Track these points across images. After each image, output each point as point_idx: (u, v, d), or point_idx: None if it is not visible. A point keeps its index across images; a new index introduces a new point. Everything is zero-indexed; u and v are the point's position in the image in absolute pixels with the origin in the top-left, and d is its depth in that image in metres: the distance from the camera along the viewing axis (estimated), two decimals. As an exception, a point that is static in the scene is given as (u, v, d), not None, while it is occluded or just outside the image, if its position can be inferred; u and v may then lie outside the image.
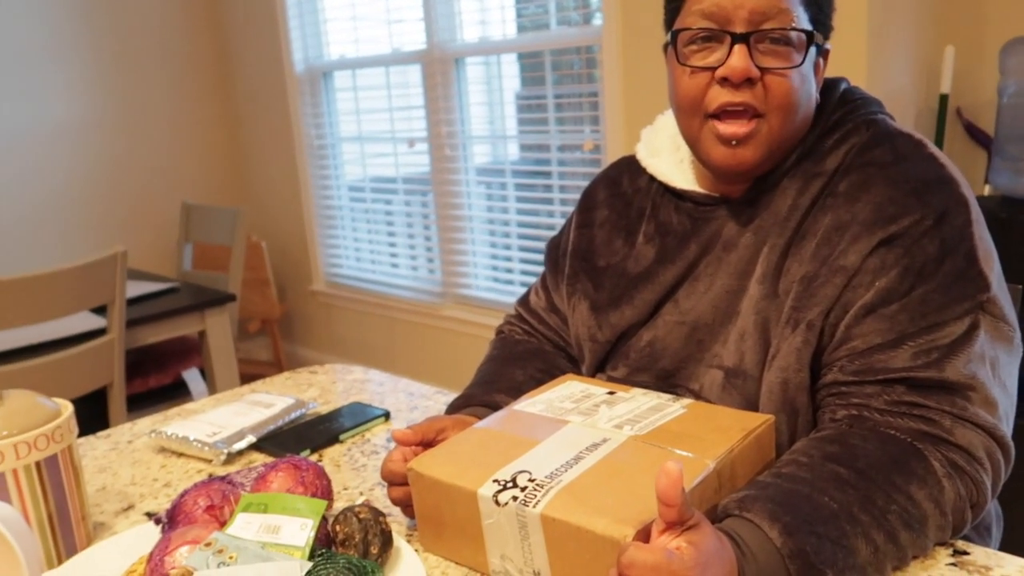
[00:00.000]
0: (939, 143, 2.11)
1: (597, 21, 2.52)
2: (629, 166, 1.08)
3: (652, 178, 1.03)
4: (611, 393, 0.91)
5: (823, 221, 0.85)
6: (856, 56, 1.94)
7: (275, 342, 3.69)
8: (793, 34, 0.84)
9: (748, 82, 0.84)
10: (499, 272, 3.06)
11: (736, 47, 0.84)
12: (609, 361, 1.03)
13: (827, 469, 0.73)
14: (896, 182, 0.83)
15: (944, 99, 2.09)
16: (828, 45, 0.92)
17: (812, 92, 0.89)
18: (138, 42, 3.60)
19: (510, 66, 2.93)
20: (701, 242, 0.95)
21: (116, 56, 3.55)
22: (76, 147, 3.48)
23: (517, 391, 1.01)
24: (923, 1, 2.09)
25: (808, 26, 0.86)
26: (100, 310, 2.34)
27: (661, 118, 1.06)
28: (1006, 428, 0.80)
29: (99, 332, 2.18)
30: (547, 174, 2.78)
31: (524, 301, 1.17)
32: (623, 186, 1.07)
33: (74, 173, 3.49)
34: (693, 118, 0.89)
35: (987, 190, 2.04)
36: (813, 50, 0.87)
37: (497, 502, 0.72)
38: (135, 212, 3.68)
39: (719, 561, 0.62)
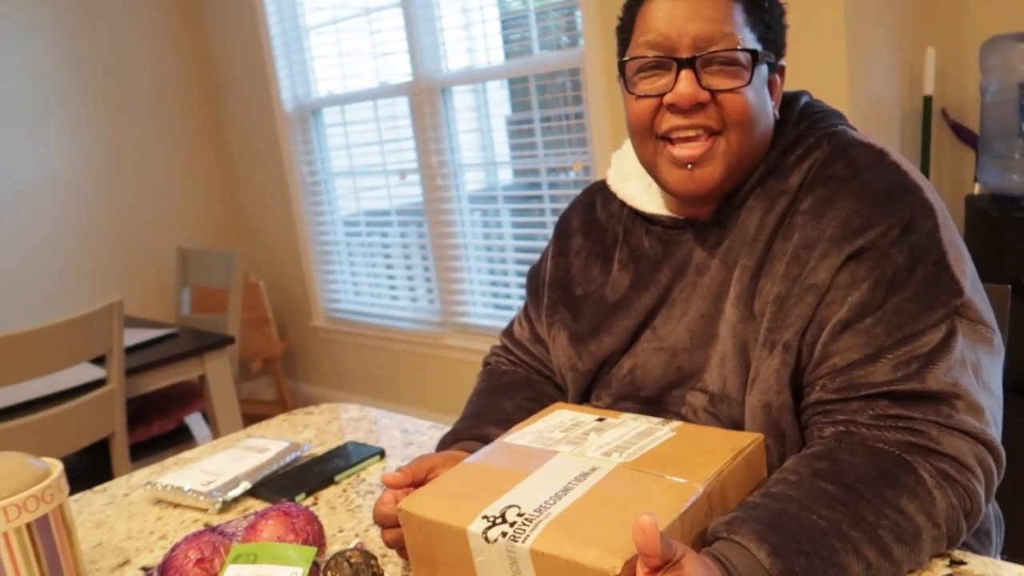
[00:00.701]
0: (926, 144, 2.11)
1: (582, 43, 2.53)
2: (601, 191, 1.09)
3: (623, 203, 1.03)
4: (600, 420, 0.91)
5: (791, 240, 0.85)
6: (836, 63, 1.95)
7: (278, 380, 3.69)
8: (740, 55, 0.85)
9: (699, 106, 0.85)
10: (498, 298, 3.06)
11: (682, 73, 0.85)
12: (593, 390, 1.02)
13: (815, 486, 0.72)
14: (860, 195, 0.83)
15: (928, 100, 2.09)
16: (783, 62, 0.92)
17: (768, 109, 0.90)
18: (129, 91, 3.64)
19: (498, 92, 2.94)
20: (673, 267, 0.95)
21: (107, 106, 3.58)
22: (70, 198, 3.50)
23: (507, 422, 1.00)
24: (901, 4, 2.10)
25: (755, 46, 0.87)
26: (99, 360, 2.34)
27: (629, 142, 1.06)
28: (994, 432, 0.79)
29: (99, 383, 2.18)
30: (539, 198, 2.78)
31: (509, 332, 1.17)
32: (597, 212, 1.07)
33: (69, 224, 3.51)
34: (646, 141, 0.90)
35: (977, 188, 2.04)
36: (765, 68, 0.89)
37: (487, 539, 0.71)
38: (132, 259, 3.69)
39: None
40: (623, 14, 0.93)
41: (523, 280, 2.89)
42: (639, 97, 0.88)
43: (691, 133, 0.86)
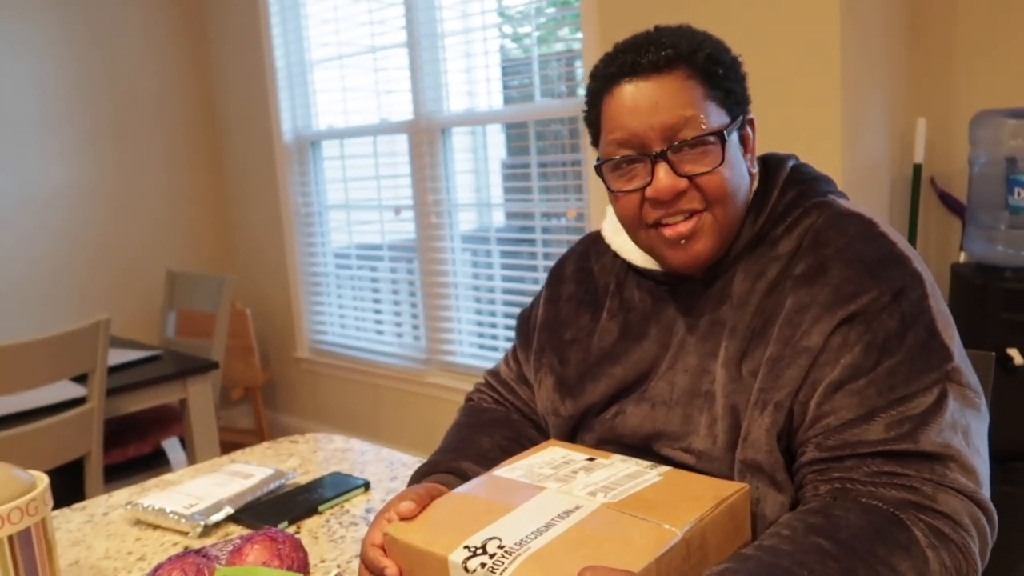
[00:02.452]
0: (914, 211, 2.16)
1: (581, 92, 2.58)
2: (596, 242, 1.10)
3: (616, 255, 1.05)
4: (591, 459, 0.91)
5: (784, 304, 0.87)
6: (831, 129, 2.00)
7: (257, 410, 3.65)
8: (709, 137, 0.87)
9: (679, 194, 0.88)
10: (484, 339, 3.06)
11: (657, 167, 0.87)
12: (576, 436, 1.03)
13: (809, 541, 0.72)
14: (851, 263, 0.85)
15: (918, 169, 2.14)
16: (750, 115, 0.94)
17: (744, 171, 0.92)
18: (130, 112, 3.66)
19: (496, 135, 2.98)
20: (662, 322, 0.96)
21: (108, 126, 3.59)
22: (63, 215, 3.49)
23: (483, 458, 1.00)
24: (894, 75, 2.16)
25: (722, 119, 0.88)
26: (81, 379, 2.31)
27: None
28: (987, 493, 0.80)
29: (79, 401, 2.16)
30: (532, 241, 2.81)
31: (495, 371, 1.18)
32: (590, 262, 1.09)
33: (61, 240, 3.49)
34: (638, 231, 0.93)
35: (962, 257, 2.08)
36: (736, 134, 0.91)
37: (466, 569, 0.72)
38: (120, 279, 3.68)
39: None
40: (587, 108, 0.95)
41: (510, 322, 2.90)
42: (623, 195, 0.91)
43: (678, 218, 0.89)
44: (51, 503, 0.87)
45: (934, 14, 2.15)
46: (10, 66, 3.32)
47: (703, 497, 0.79)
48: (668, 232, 0.89)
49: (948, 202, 2.19)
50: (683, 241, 0.89)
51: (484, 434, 1.06)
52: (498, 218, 2.99)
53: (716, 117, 0.88)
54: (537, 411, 1.10)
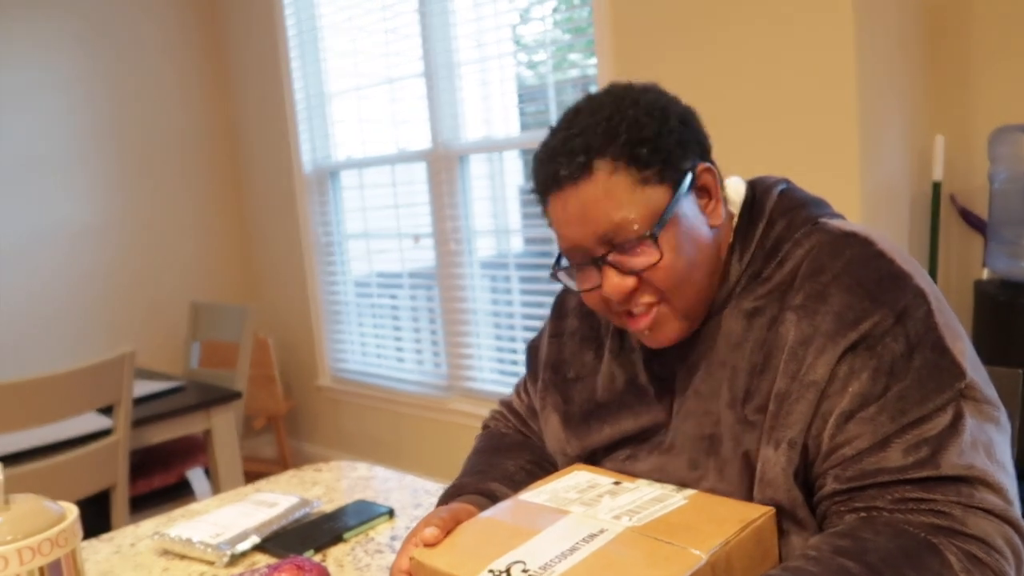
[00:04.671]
0: (935, 229, 2.15)
1: (595, 118, 2.60)
2: None
3: None
4: (616, 483, 0.91)
5: (787, 337, 0.84)
6: (848, 148, 2.00)
7: (280, 439, 3.67)
8: (639, 238, 0.85)
9: (632, 291, 0.88)
10: (504, 364, 3.06)
11: (604, 270, 0.87)
12: None
13: (836, 563, 0.71)
14: (850, 288, 0.83)
15: (937, 186, 2.13)
16: (703, 164, 0.90)
17: (701, 237, 0.89)
18: (154, 146, 3.72)
19: (513, 161, 3.01)
20: (664, 365, 0.95)
21: (130, 161, 3.66)
22: (90, 249, 3.55)
23: (510, 480, 1.01)
24: (912, 92, 2.16)
25: (659, 200, 0.85)
26: (107, 410, 2.34)
27: None
28: (1017, 510, 0.78)
29: (105, 433, 2.18)
30: (550, 266, 2.81)
31: (508, 402, 1.18)
32: None
33: (87, 274, 3.55)
34: (610, 318, 0.94)
35: (985, 274, 2.06)
36: (684, 202, 0.87)
37: None
38: (145, 311, 3.72)
39: None
40: (539, 201, 0.94)
41: (531, 347, 2.90)
42: (583, 291, 0.92)
43: (640, 309, 0.89)
44: (80, 534, 0.88)
45: (950, 31, 2.16)
46: (38, 104, 3.39)
47: (729, 520, 0.79)
48: (632, 325, 0.90)
49: (969, 219, 2.18)
50: (648, 332, 0.90)
51: (508, 457, 1.06)
52: (516, 244, 3.00)
53: (653, 201, 0.85)
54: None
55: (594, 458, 1.00)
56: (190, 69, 3.84)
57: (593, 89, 2.60)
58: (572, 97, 2.71)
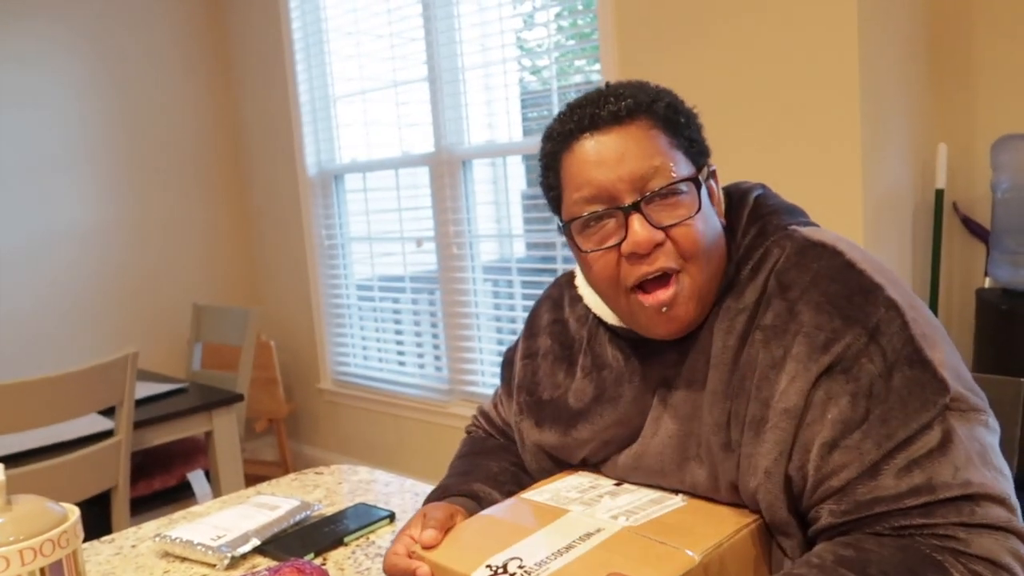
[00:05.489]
0: (937, 237, 2.15)
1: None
2: (570, 287, 1.05)
3: (590, 311, 0.99)
4: (617, 484, 0.93)
5: (757, 359, 0.81)
6: (852, 156, 2.00)
7: (281, 442, 3.67)
8: (680, 185, 0.83)
9: (656, 247, 0.83)
10: (506, 369, 3.06)
11: (632, 219, 0.82)
12: None
13: (838, 574, 0.70)
14: (819, 305, 0.79)
15: (940, 194, 2.13)
16: (712, 165, 0.90)
17: (717, 224, 0.87)
18: (157, 148, 3.73)
19: (516, 166, 3.01)
20: (637, 384, 0.91)
21: (134, 163, 3.67)
22: (93, 251, 3.56)
23: (494, 480, 1.01)
24: (915, 101, 2.16)
25: (690, 168, 0.85)
26: (109, 412, 2.34)
27: None
28: (1019, 517, 0.75)
29: (106, 434, 2.18)
30: (553, 271, 2.82)
31: (486, 413, 1.17)
32: (564, 311, 1.04)
33: (91, 276, 3.55)
34: (617, 295, 0.87)
35: (987, 282, 2.06)
36: (705, 184, 0.86)
37: None
38: (147, 313, 3.73)
39: None
40: (545, 173, 0.90)
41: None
42: (597, 255, 0.85)
43: (658, 275, 0.84)
44: (82, 535, 0.88)
45: (953, 40, 2.16)
46: (43, 107, 3.40)
47: (724, 523, 0.80)
48: (649, 300, 0.84)
49: (971, 227, 2.18)
50: (664, 309, 0.84)
51: (491, 459, 1.06)
52: (519, 248, 3.00)
53: (684, 166, 0.84)
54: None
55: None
56: (195, 72, 3.85)
57: (597, 95, 2.60)
58: (576, 102, 2.71)
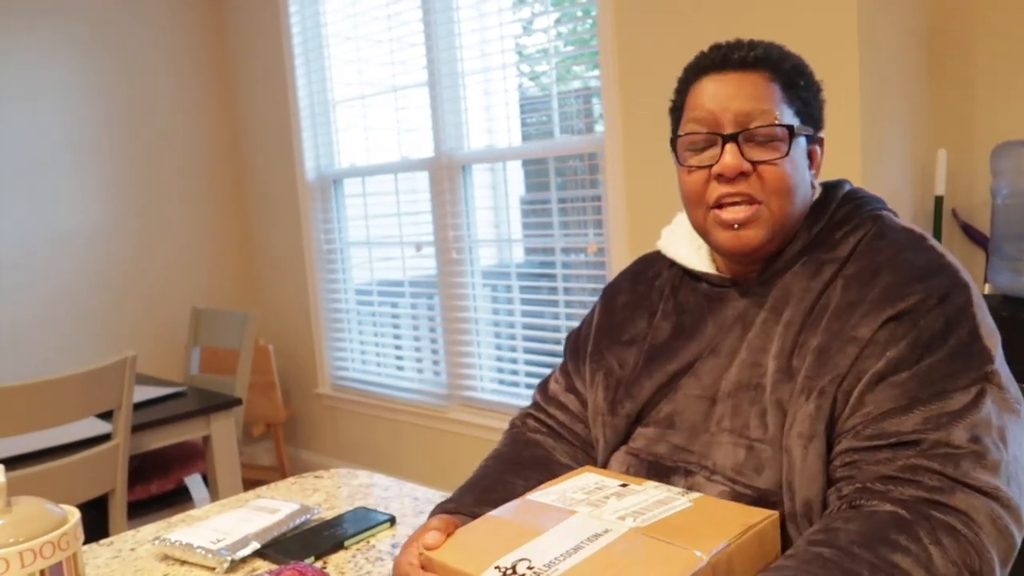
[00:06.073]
0: (937, 243, 2.15)
1: (599, 128, 2.61)
2: (650, 259, 1.17)
3: (672, 264, 1.11)
4: (623, 485, 0.93)
5: (835, 300, 0.91)
6: (851, 161, 2.00)
7: (279, 446, 3.66)
8: (778, 129, 0.94)
9: (742, 175, 0.94)
10: (504, 374, 3.06)
11: (727, 146, 0.94)
12: (629, 435, 1.05)
13: (811, 553, 0.76)
14: (901, 270, 0.90)
15: (939, 201, 2.14)
16: (822, 134, 1.01)
17: (807, 178, 0.98)
18: (156, 151, 3.73)
19: (515, 171, 3.01)
20: (717, 321, 1.01)
21: (132, 165, 3.67)
22: (91, 253, 3.55)
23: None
24: (914, 107, 2.17)
25: (792, 120, 0.95)
26: (107, 415, 2.34)
27: (679, 215, 1.13)
28: (1015, 493, 0.81)
29: (104, 438, 2.17)
30: (552, 276, 2.82)
31: (544, 386, 1.20)
32: (645, 275, 1.15)
33: (89, 278, 3.55)
34: (698, 209, 0.99)
35: (987, 289, 2.06)
36: (803, 140, 0.97)
37: None
38: (145, 316, 3.72)
39: None
40: (675, 96, 1.03)
41: (531, 357, 2.90)
42: (691, 170, 0.97)
43: (737, 199, 0.94)
44: (82, 537, 0.88)
45: (953, 46, 2.17)
46: (38, 107, 3.40)
47: (731, 523, 0.81)
48: (725, 215, 0.95)
49: (971, 234, 2.18)
50: (736, 226, 0.94)
51: (520, 476, 1.05)
52: (518, 254, 3.00)
53: (789, 118, 0.95)
54: (585, 423, 1.11)
55: (642, 415, 1.04)
56: (195, 75, 3.85)
57: (596, 101, 2.61)
58: (575, 108, 2.72)
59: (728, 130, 0.94)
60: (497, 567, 0.76)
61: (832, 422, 0.87)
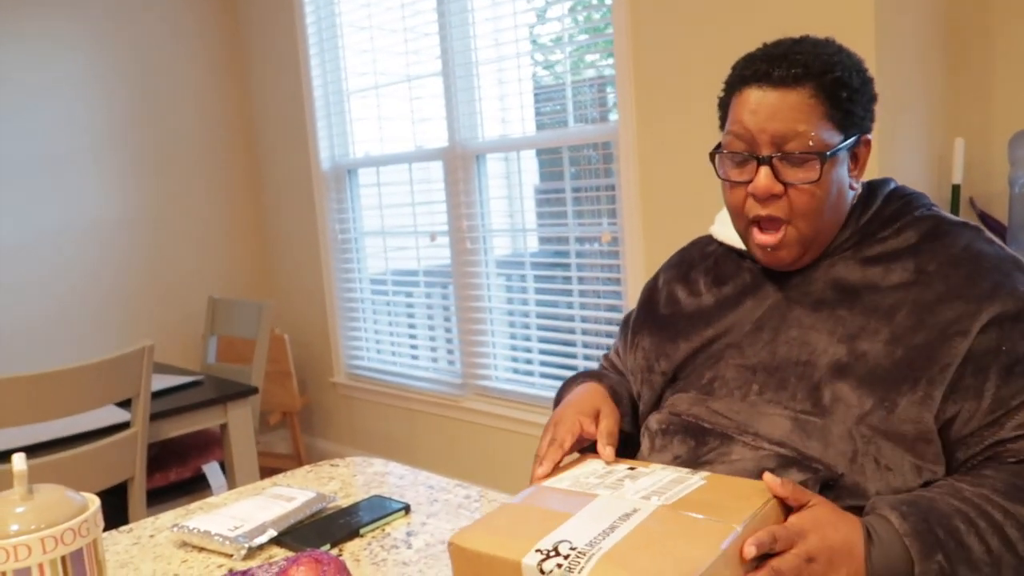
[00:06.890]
0: (954, 232, 2.13)
1: (613, 117, 2.60)
2: (701, 242, 1.23)
3: (720, 244, 1.17)
4: (632, 468, 0.95)
5: (915, 293, 0.95)
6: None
7: (295, 435, 3.69)
8: (811, 154, 0.95)
9: (774, 196, 0.98)
10: (519, 363, 3.06)
11: (761, 168, 0.97)
12: (668, 396, 1.11)
13: (954, 486, 0.85)
14: (975, 260, 0.95)
15: (956, 190, 2.12)
16: (869, 136, 1.02)
17: (844, 187, 1.00)
18: (174, 143, 3.75)
19: (529, 161, 3.01)
20: (759, 297, 1.06)
21: (149, 157, 3.69)
22: (109, 244, 3.58)
23: (621, 385, 1.19)
24: (931, 96, 2.15)
25: (832, 139, 0.96)
26: (125, 404, 2.36)
27: None
28: None
29: (123, 426, 2.20)
30: (566, 266, 2.82)
31: (605, 358, 1.34)
32: (693, 254, 1.22)
33: (107, 269, 3.58)
34: (739, 221, 1.05)
35: (1005, 278, 2.05)
36: (843, 152, 0.98)
37: (542, 571, 0.73)
38: (163, 306, 3.75)
39: (843, 524, 0.79)
40: (725, 90, 1.04)
41: (545, 346, 2.91)
42: (732, 185, 1.02)
43: (769, 224, 1.00)
44: (102, 524, 0.90)
45: (970, 34, 2.14)
46: (58, 102, 3.43)
47: (751, 496, 0.83)
48: (759, 237, 1.00)
49: (988, 223, 2.17)
50: (769, 249, 1.00)
51: (611, 376, 1.22)
52: (532, 243, 3.01)
53: (827, 136, 0.96)
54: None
55: (680, 376, 1.11)
56: (209, 66, 3.87)
57: (610, 90, 2.60)
58: (589, 97, 2.71)
59: (764, 152, 0.97)
60: (538, 550, 0.75)
61: (940, 412, 0.90)
